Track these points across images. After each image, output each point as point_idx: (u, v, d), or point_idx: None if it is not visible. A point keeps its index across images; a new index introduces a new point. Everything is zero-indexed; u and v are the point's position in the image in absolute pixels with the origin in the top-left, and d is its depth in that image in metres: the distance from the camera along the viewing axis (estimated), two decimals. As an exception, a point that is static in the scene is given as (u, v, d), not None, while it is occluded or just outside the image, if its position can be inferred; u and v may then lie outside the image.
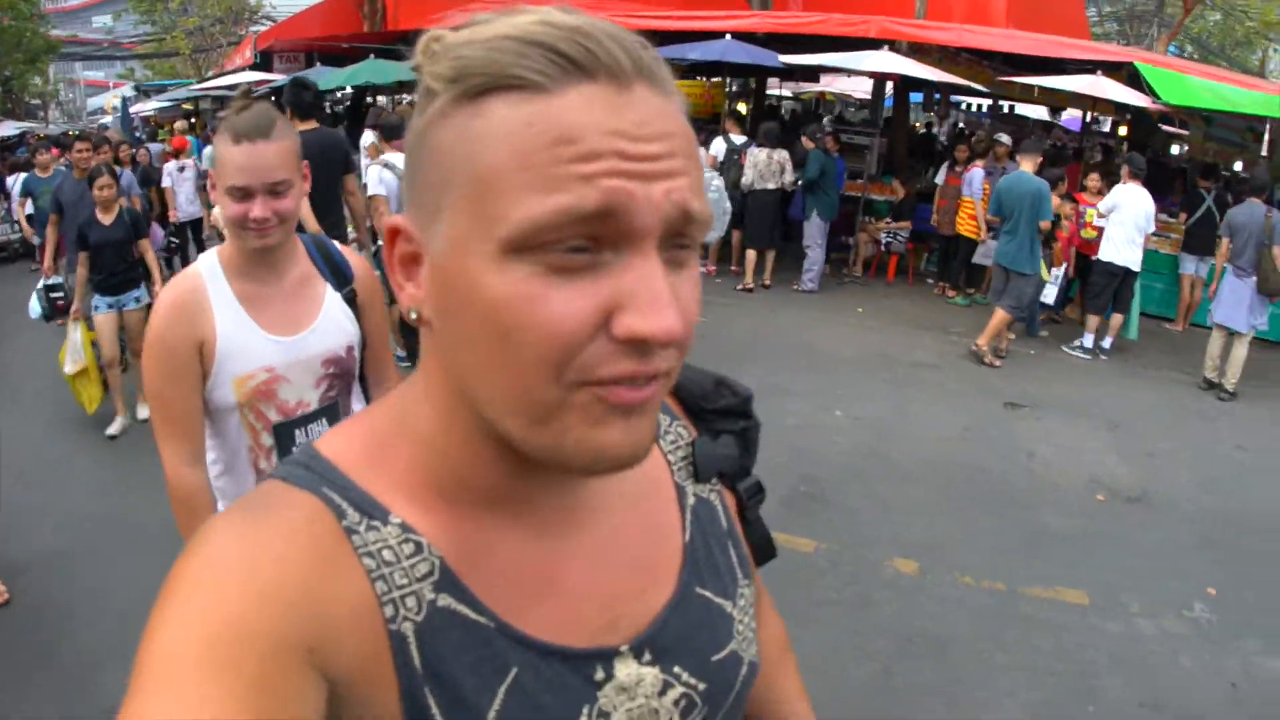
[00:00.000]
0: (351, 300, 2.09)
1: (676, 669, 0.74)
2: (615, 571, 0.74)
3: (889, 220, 10.12)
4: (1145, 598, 4.25)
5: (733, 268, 9.81)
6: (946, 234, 9.43)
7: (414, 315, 0.64)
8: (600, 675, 0.70)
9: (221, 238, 7.07)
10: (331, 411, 2.08)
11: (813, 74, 16.27)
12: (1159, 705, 3.47)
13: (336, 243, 2.20)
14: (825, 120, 13.37)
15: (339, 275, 2.10)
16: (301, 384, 2.00)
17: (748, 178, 8.98)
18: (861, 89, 17.22)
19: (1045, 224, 7.26)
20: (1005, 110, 16.04)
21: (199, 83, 22.36)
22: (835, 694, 3.36)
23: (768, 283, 9.55)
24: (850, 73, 11.89)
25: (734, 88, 16.08)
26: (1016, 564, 4.49)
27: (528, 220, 0.54)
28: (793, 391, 6.72)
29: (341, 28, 18.07)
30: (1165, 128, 12.89)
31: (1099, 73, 8.77)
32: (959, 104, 18.46)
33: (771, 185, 8.95)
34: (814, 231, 9.24)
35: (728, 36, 10.23)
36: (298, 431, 2.01)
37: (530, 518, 0.70)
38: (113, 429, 5.74)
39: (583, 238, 0.55)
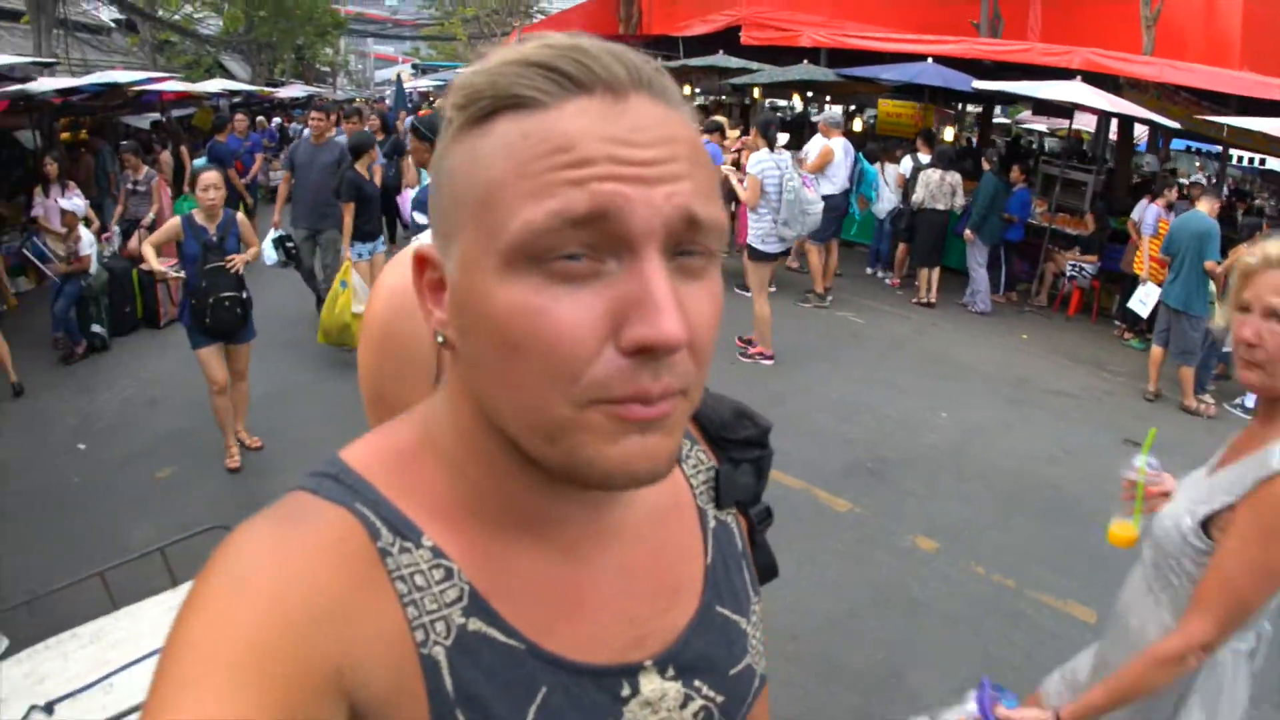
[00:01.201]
0: None
1: (697, 683, 0.76)
2: (641, 591, 0.75)
3: (1078, 251, 9.83)
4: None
5: (916, 282, 9.93)
6: (1131, 274, 9.09)
7: (440, 339, 0.65)
8: (626, 691, 0.71)
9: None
10: None
11: (1067, 110, 15.75)
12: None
13: None
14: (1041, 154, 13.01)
15: None
16: None
17: (918, 196, 9.18)
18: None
19: (1210, 264, 6.96)
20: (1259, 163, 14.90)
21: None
22: (789, 611, 3.68)
23: (932, 300, 9.58)
24: (1038, 101, 11.47)
25: (969, 115, 15.84)
26: (1039, 570, 4.50)
27: (523, 227, 0.55)
28: (910, 390, 6.96)
29: (600, 28, 19.19)
30: None
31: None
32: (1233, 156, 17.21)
33: (941, 206, 9.06)
34: (975, 254, 9.25)
35: (929, 60, 10.31)
36: None
37: (556, 538, 0.70)
38: None
39: (580, 244, 0.55)
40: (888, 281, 10.45)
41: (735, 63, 12.34)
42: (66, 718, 2.17)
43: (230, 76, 22.28)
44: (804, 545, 4.38)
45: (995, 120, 17.68)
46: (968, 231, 9.14)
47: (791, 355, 7.45)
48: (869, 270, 10.81)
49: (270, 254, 7.26)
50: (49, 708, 2.16)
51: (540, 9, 29.17)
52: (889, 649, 3.68)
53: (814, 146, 9.14)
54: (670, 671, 0.74)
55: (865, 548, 4.48)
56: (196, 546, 2.26)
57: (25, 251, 7.83)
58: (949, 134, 11.82)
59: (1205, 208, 7.18)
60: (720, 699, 0.78)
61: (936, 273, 9.54)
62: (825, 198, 8.92)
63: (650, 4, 18.95)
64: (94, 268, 7.49)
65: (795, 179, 6.95)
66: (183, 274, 4.97)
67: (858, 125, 13.12)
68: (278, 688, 0.54)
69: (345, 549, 0.62)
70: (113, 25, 17.71)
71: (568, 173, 0.55)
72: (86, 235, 7.52)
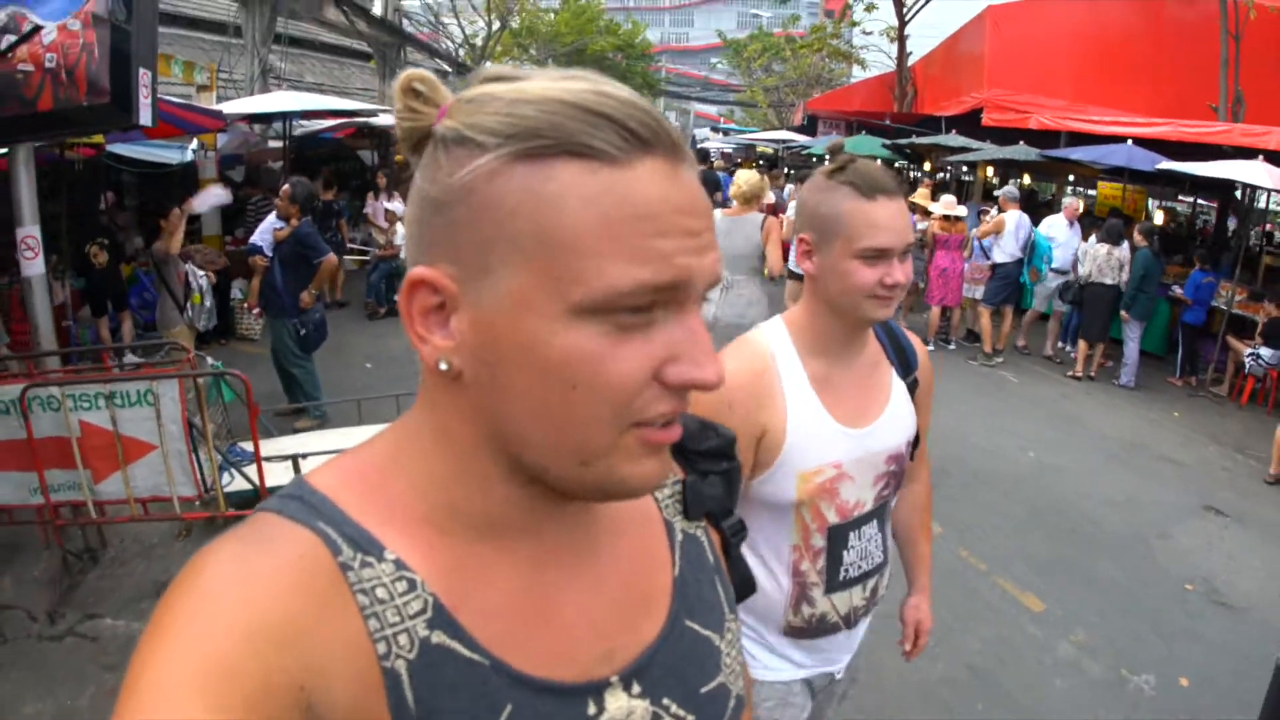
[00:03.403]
0: (913, 389, 1.94)
1: (666, 700, 0.77)
2: (609, 603, 0.78)
3: (1260, 340, 9.74)
4: (1103, 643, 4.50)
5: (1074, 354, 10.34)
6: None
7: (444, 367, 0.66)
8: (592, 709, 0.73)
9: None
10: (881, 514, 1.93)
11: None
12: (992, 701, 3.98)
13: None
14: None
15: (904, 360, 1.95)
16: (863, 482, 1.83)
17: (1084, 269, 9.70)
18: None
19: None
20: None
21: (760, 131, 26.82)
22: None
23: (1094, 374, 9.94)
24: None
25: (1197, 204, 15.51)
26: (1021, 568, 5.18)
27: (610, 288, 0.61)
28: (1015, 433, 7.73)
29: (877, 105, 20.59)
30: None
31: None
32: None
33: (1109, 280, 9.53)
34: (1127, 329, 9.62)
35: (1129, 142, 10.81)
36: (851, 534, 1.85)
37: (528, 551, 0.74)
38: None
39: (646, 302, 0.62)
40: (1073, 354, 10.62)
41: (957, 141, 13.46)
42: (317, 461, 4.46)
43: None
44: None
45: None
46: (1123, 312, 9.57)
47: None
48: (1060, 344, 11.06)
49: None
50: (304, 456, 4.28)
51: (840, 82, 30.68)
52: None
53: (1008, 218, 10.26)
54: (636, 687, 0.76)
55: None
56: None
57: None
58: (1159, 217, 12.16)
59: None
60: (691, 718, 0.79)
61: (1100, 347, 9.95)
62: (997, 266, 10.08)
63: (924, 85, 20.05)
64: (403, 254, 10.13)
65: None
66: None
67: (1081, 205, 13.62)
68: (240, 707, 0.56)
69: (306, 566, 0.64)
70: (448, 70, 21.42)
71: (654, 243, 0.62)
72: (401, 229, 10.18)
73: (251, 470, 4.37)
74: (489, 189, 0.62)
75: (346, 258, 11.47)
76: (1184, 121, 11.15)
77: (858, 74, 27.34)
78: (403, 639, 0.66)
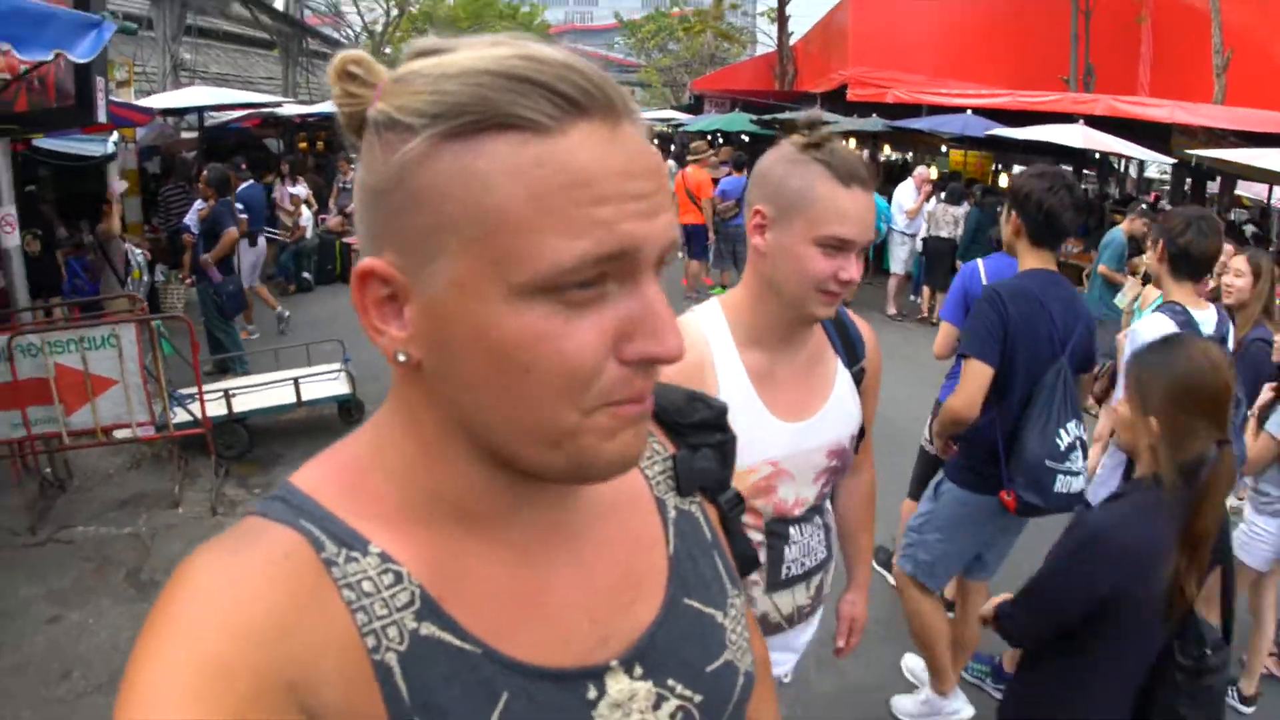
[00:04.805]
0: (859, 379, 1.85)
1: (670, 681, 0.76)
2: (601, 586, 0.76)
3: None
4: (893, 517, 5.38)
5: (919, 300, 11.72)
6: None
7: (402, 358, 0.64)
8: (593, 693, 0.72)
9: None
10: (822, 510, 1.88)
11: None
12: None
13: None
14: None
15: (851, 350, 1.86)
16: (802, 478, 1.76)
17: (925, 226, 11.03)
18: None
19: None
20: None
21: (652, 110, 27.70)
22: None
23: (935, 320, 11.02)
24: (1021, 144, 12.08)
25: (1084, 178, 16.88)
26: None
27: (551, 265, 0.57)
28: None
29: (760, 84, 21.62)
30: None
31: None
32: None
33: (944, 234, 10.81)
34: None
35: (969, 112, 11.99)
36: (793, 529, 1.79)
37: (512, 537, 0.72)
38: None
39: (594, 275, 0.59)
40: (919, 303, 11.87)
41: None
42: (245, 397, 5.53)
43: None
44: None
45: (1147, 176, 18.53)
46: (958, 261, 10.82)
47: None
48: (911, 297, 12.20)
49: None
50: (233, 392, 5.54)
51: (732, 62, 31.28)
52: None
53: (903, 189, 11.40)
54: (638, 670, 0.75)
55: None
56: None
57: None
58: (1003, 180, 13.54)
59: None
60: (698, 698, 0.77)
61: (940, 295, 11.07)
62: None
63: (803, 63, 21.11)
64: (310, 234, 10.97)
65: None
66: None
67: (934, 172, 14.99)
68: (236, 706, 0.56)
69: (291, 564, 0.63)
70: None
71: (592, 211, 0.57)
72: (306, 213, 11.05)
73: (194, 406, 5.37)
74: (420, 173, 0.59)
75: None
76: (1022, 92, 12.29)
77: (748, 53, 28.13)
78: (392, 631, 0.65)
